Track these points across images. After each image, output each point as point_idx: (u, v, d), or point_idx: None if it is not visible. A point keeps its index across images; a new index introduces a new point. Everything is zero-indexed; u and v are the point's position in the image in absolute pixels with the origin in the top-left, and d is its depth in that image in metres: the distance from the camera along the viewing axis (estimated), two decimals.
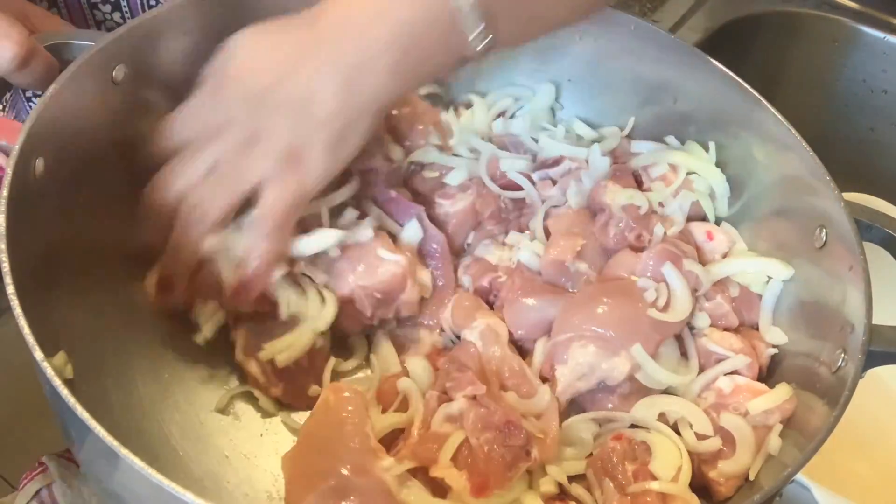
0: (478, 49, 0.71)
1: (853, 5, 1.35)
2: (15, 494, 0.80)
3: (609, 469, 0.70)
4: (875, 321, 0.70)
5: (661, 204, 0.85)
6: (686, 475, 0.70)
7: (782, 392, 0.73)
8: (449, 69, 0.74)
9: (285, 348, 0.77)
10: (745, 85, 0.85)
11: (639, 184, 0.88)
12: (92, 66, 0.75)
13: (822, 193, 0.78)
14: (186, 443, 0.76)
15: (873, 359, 0.69)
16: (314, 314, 0.78)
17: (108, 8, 0.97)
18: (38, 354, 0.59)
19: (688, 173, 0.88)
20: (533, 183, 0.88)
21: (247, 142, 0.71)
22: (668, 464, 0.71)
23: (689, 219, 0.86)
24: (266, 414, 0.79)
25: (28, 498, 0.78)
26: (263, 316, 0.78)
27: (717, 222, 0.88)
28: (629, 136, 0.94)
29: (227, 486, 0.74)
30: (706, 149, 0.90)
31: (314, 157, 0.71)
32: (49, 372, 0.58)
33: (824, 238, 0.78)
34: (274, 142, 0.71)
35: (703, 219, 0.87)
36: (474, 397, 0.71)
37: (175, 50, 0.83)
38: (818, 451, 0.64)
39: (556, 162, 0.90)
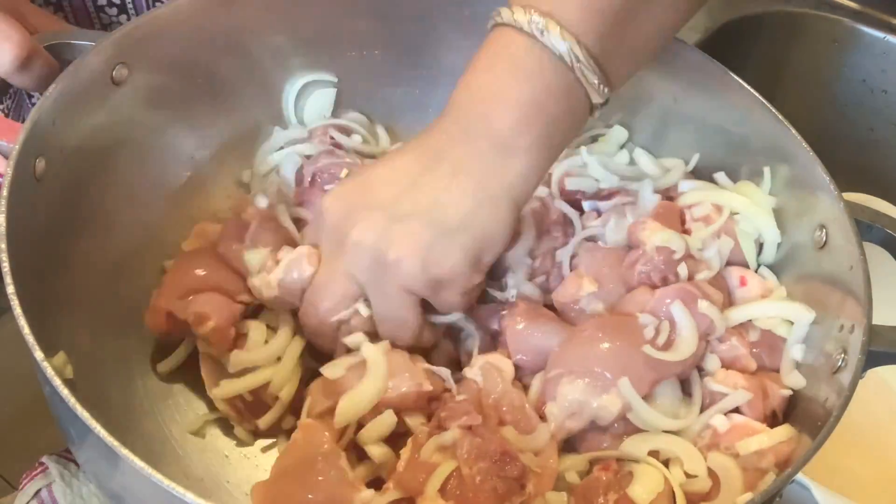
0: (598, 102, 0.69)
1: (853, 5, 1.35)
2: (15, 494, 0.80)
3: (590, 499, 0.68)
4: (875, 321, 0.70)
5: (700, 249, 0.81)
6: (666, 500, 0.68)
7: (780, 433, 0.70)
8: (574, 136, 0.72)
9: (242, 388, 0.74)
10: (746, 85, 0.85)
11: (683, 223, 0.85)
12: (92, 66, 0.75)
13: (822, 193, 0.78)
14: (186, 443, 0.76)
15: (873, 359, 0.69)
16: (272, 353, 0.76)
17: (114, 11, 0.97)
18: (38, 354, 0.59)
19: (733, 213, 0.83)
20: (582, 212, 0.86)
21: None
22: (648, 489, 0.68)
23: (732, 263, 0.82)
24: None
25: (28, 498, 0.78)
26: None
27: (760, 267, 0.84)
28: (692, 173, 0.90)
29: (227, 485, 0.75)
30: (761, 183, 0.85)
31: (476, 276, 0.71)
32: (49, 372, 0.58)
33: (824, 238, 0.78)
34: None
35: (745, 264, 0.83)
36: (469, 427, 0.69)
37: (175, 50, 0.83)
38: (818, 451, 0.64)
39: (610, 195, 0.86)
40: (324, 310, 0.73)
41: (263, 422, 0.76)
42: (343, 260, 0.71)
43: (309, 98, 0.94)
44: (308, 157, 0.89)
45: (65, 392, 0.58)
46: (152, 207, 0.84)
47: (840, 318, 0.73)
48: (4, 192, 0.65)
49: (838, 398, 0.67)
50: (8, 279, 0.61)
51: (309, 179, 0.86)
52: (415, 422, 0.72)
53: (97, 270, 0.77)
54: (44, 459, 0.79)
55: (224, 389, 0.74)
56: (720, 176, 0.88)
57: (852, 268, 0.73)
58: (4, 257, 0.62)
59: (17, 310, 0.60)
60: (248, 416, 0.76)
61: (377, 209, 0.69)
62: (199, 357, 0.77)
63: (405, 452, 0.68)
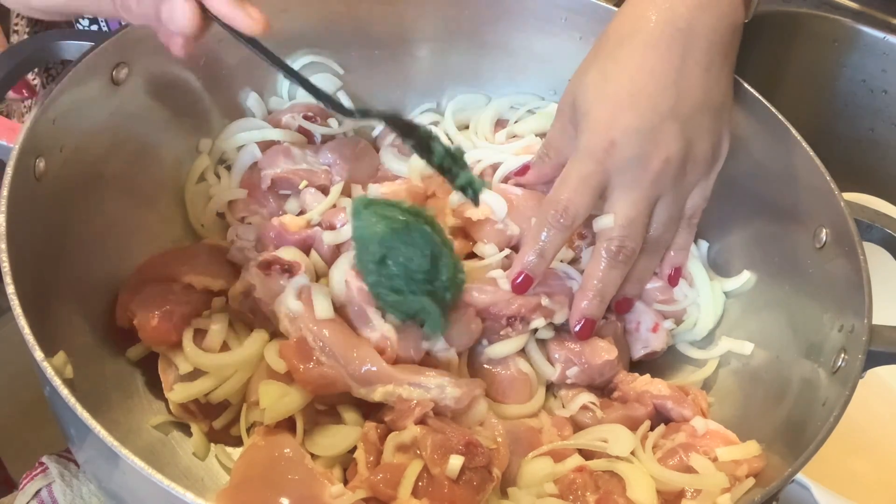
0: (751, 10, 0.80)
1: (853, 5, 1.35)
2: (15, 494, 0.80)
3: (571, 499, 0.70)
4: (875, 321, 0.70)
5: None
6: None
7: (751, 448, 0.73)
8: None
9: (196, 393, 0.74)
10: (746, 85, 0.85)
11: None
12: (92, 66, 0.75)
13: (822, 193, 0.78)
14: (186, 443, 0.76)
15: (873, 359, 0.69)
16: (225, 363, 0.75)
17: (85, 22, 0.96)
18: (38, 354, 0.59)
19: None
20: None
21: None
22: (647, 489, 0.70)
23: None
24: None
25: (28, 498, 0.78)
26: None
27: None
28: None
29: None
30: None
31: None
32: (49, 372, 0.58)
33: (824, 238, 0.78)
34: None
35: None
36: (424, 422, 0.70)
37: None
38: (818, 451, 0.64)
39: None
40: (567, 203, 0.76)
41: (218, 423, 0.76)
42: (636, 180, 0.76)
43: (309, 79, 0.94)
44: (272, 143, 0.89)
45: (65, 392, 0.58)
46: (152, 207, 0.84)
47: (840, 318, 0.73)
48: (4, 192, 0.65)
49: (838, 398, 0.67)
50: (8, 279, 0.61)
51: (268, 185, 0.87)
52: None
53: (97, 270, 0.77)
54: (44, 459, 0.79)
55: (178, 394, 0.74)
56: None
57: (852, 268, 0.73)
58: (4, 257, 0.62)
59: (17, 310, 0.60)
60: (202, 417, 0.75)
61: (669, 120, 0.75)
62: (159, 356, 0.77)
63: (360, 454, 0.69)
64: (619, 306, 0.83)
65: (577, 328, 0.79)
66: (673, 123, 0.75)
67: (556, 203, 0.76)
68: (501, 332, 0.79)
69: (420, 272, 0.71)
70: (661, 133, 0.75)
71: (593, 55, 0.79)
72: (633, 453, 0.74)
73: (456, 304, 0.76)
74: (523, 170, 0.87)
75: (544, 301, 0.79)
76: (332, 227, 0.83)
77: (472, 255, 0.85)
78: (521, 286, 0.77)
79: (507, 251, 0.84)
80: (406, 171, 0.91)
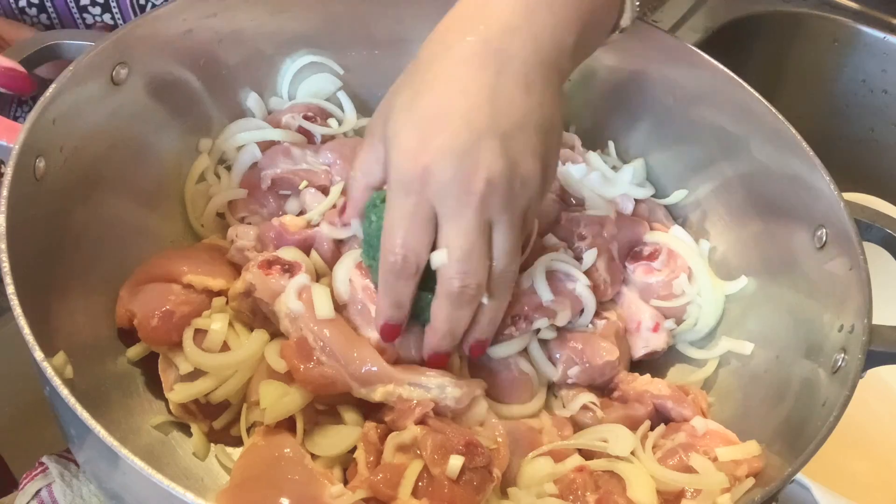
0: (625, 25, 0.74)
1: (853, 5, 1.35)
2: (15, 494, 0.80)
3: (571, 499, 0.70)
4: (875, 321, 0.70)
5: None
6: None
7: (751, 448, 0.73)
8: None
9: (196, 393, 0.74)
10: (746, 85, 0.85)
11: None
12: (92, 66, 0.75)
13: (822, 193, 0.78)
14: (186, 443, 0.76)
15: (873, 359, 0.69)
16: (224, 363, 0.74)
17: (97, 10, 0.97)
18: (38, 354, 0.59)
19: None
20: None
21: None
22: (647, 489, 0.71)
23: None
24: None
25: (28, 498, 0.78)
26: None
27: None
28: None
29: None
30: None
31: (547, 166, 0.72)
32: (49, 372, 0.58)
33: (824, 238, 0.78)
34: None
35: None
36: (424, 422, 0.70)
37: (175, 49, 0.83)
38: (818, 451, 0.64)
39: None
40: (404, 254, 0.69)
41: (218, 423, 0.76)
42: (462, 203, 0.67)
43: (308, 79, 0.94)
44: (272, 143, 0.89)
45: (65, 392, 0.58)
46: (152, 207, 0.84)
47: (840, 318, 0.73)
48: (4, 192, 0.65)
49: (838, 398, 0.67)
50: (8, 279, 0.61)
51: (268, 185, 0.87)
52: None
53: (97, 270, 0.77)
54: (44, 459, 0.79)
55: (178, 394, 0.73)
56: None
57: (852, 268, 0.74)
58: (4, 257, 0.62)
59: (17, 310, 0.60)
60: (202, 417, 0.75)
61: (486, 138, 0.67)
62: (159, 356, 0.77)
63: (360, 454, 0.69)
64: (474, 350, 0.75)
65: (427, 359, 0.75)
66: (491, 140, 0.67)
67: (392, 254, 0.69)
68: (505, 332, 0.79)
69: (427, 268, 0.71)
70: (480, 151, 0.66)
71: (406, 76, 0.73)
72: (633, 453, 0.74)
73: None
74: (342, 209, 0.80)
75: (546, 301, 0.79)
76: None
77: None
78: (388, 335, 0.73)
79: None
80: None
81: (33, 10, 0.95)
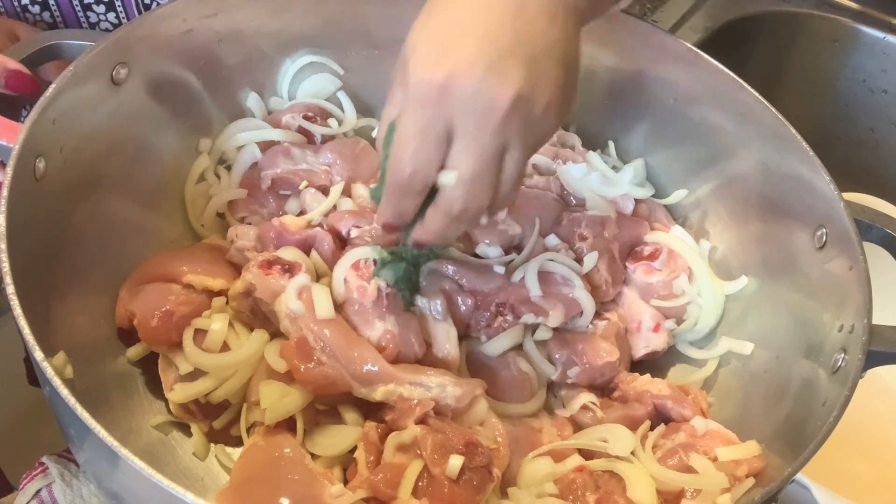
0: None
1: (853, 5, 1.35)
2: (15, 494, 0.80)
3: (571, 499, 0.70)
4: (875, 321, 0.70)
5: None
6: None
7: (751, 448, 0.73)
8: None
9: (196, 393, 0.74)
10: (746, 85, 0.85)
11: None
12: (92, 66, 0.75)
13: (822, 193, 0.78)
14: (186, 443, 0.76)
15: (873, 359, 0.69)
16: (224, 363, 0.75)
17: (101, 9, 0.97)
18: (38, 354, 0.59)
19: None
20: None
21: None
22: (646, 489, 0.71)
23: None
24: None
25: (28, 498, 0.78)
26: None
27: None
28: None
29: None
30: None
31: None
32: (49, 372, 0.58)
33: (824, 238, 0.78)
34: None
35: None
36: (425, 421, 0.70)
37: (175, 50, 0.83)
38: (818, 451, 0.64)
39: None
40: (412, 170, 0.66)
41: (218, 423, 0.76)
42: (468, 121, 0.64)
43: (308, 79, 0.94)
44: (272, 143, 0.89)
45: (65, 392, 0.58)
46: (152, 207, 0.84)
47: (840, 318, 0.73)
48: (4, 192, 0.65)
49: (838, 398, 0.67)
50: (8, 279, 0.61)
51: (268, 185, 0.87)
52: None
53: (97, 270, 0.77)
54: (44, 459, 0.79)
55: (178, 394, 0.74)
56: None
57: (852, 268, 0.74)
58: (4, 257, 0.62)
59: (17, 310, 0.60)
60: (202, 417, 0.75)
61: (511, 57, 0.63)
62: (159, 356, 0.77)
63: (360, 454, 0.69)
64: (415, 245, 0.72)
65: (380, 225, 0.71)
66: (517, 60, 0.63)
67: (401, 168, 0.65)
68: (494, 324, 0.79)
69: None
70: (506, 68, 0.62)
71: (425, 7, 0.68)
72: (633, 453, 0.74)
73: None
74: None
75: (533, 296, 0.79)
76: (333, 231, 0.83)
77: (474, 256, 0.85)
78: (386, 230, 0.71)
79: (512, 255, 0.84)
80: None
81: (36, 8, 0.95)
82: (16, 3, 0.94)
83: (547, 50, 0.65)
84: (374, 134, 0.97)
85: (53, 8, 0.96)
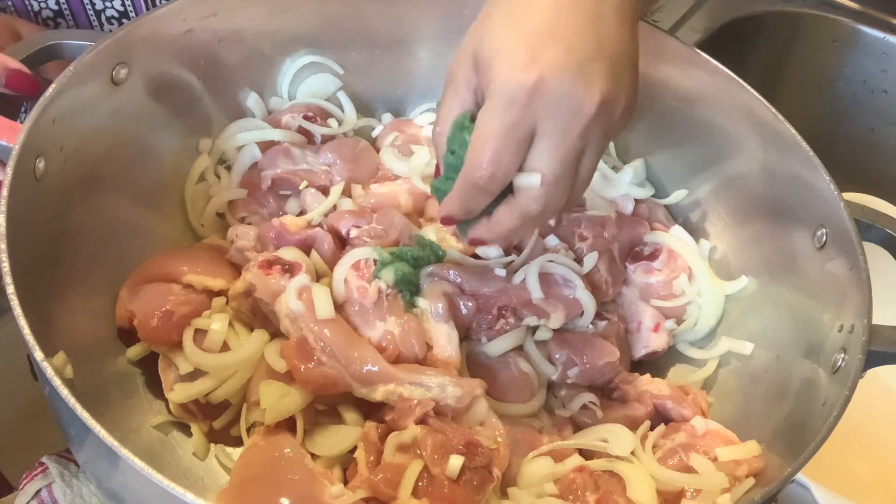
0: None
1: (853, 5, 1.35)
2: (15, 494, 0.80)
3: (571, 499, 0.70)
4: (875, 321, 0.70)
5: None
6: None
7: (751, 448, 0.73)
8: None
9: (196, 393, 0.74)
10: (746, 85, 0.85)
11: None
12: (92, 66, 0.75)
13: (822, 193, 0.78)
14: (186, 443, 0.76)
15: (873, 359, 0.69)
16: (224, 363, 0.75)
17: (113, 12, 0.96)
18: (38, 354, 0.59)
19: None
20: None
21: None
22: (646, 489, 0.71)
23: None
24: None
25: (28, 498, 0.78)
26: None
27: None
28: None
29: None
30: None
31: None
32: (49, 372, 0.58)
33: (824, 238, 0.78)
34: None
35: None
36: (425, 421, 0.70)
37: (175, 50, 0.83)
38: (818, 451, 0.64)
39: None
40: (493, 171, 0.66)
41: (218, 423, 0.76)
42: (555, 121, 0.64)
43: (308, 79, 0.94)
44: (272, 143, 0.89)
45: (65, 392, 0.58)
46: (152, 207, 0.84)
47: (840, 318, 0.73)
48: (4, 192, 0.65)
49: (838, 398, 0.67)
50: (8, 279, 0.61)
51: (268, 185, 0.87)
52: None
53: (97, 270, 0.77)
54: (44, 459, 0.79)
55: (178, 394, 0.74)
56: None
57: (852, 268, 0.74)
58: (4, 257, 0.62)
59: (17, 310, 0.60)
60: (202, 417, 0.75)
61: (597, 60, 0.64)
62: (159, 356, 0.77)
63: (360, 454, 0.69)
64: (472, 243, 0.73)
65: (469, 241, 0.72)
66: (601, 64, 0.64)
67: (479, 168, 0.65)
68: (496, 327, 0.79)
69: None
70: (592, 72, 0.64)
71: (493, 3, 0.68)
72: (633, 453, 0.74)
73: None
74: (436, 175, 0.75)
75: (535, 298, 0.79)
76: (333, 231, 0.83)
77: (474, 257, 0.86)
78: (447, 223, 0.71)
79: (512, 256, 0.84)
80: (406, 172, 0.91)
81: (48, 12, 0.95)
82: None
83: (622, 54, 0.67)
84: (374, 134, 0.97)
85: (67, 14, 0.96)
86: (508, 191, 0.68)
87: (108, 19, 0.97)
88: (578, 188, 0.69)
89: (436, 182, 0.72)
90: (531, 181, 0.66)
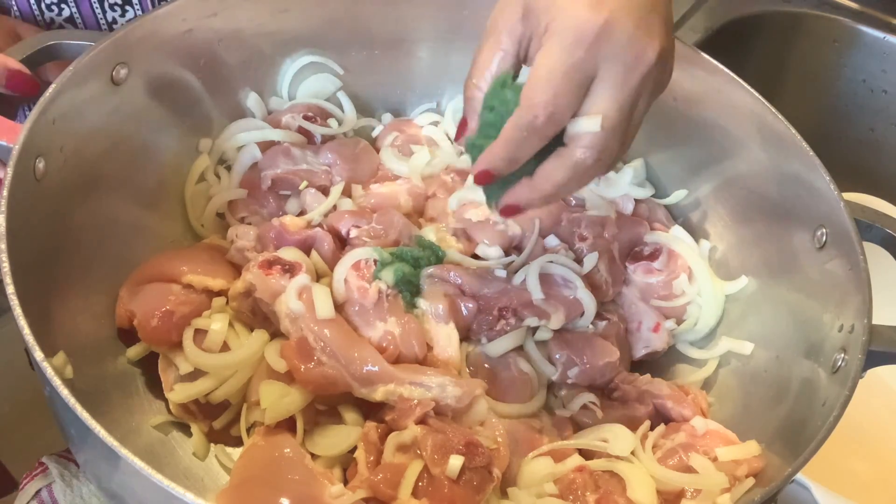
0: None
1: (853, 5, 1.36)
2: (15, 494, 0.80)
3: (571, 499, 0.70)
4: (875, 321, 0.70)
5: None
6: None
7: (751, 447, 0.73)
8: None
9: (196, 393, 0.74)
10: (746, 85, 0.85)
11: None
12: (92, 66, 0.75)
13: (822, 193, 0.78)
14: (186, 443, 0.76)
15: (873, 359, 0.69)
16: (224, 363, 0.74)
17: (118, 11, 0.96)
18: (38, 354, 0.59)
19: None
20: None
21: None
22: (646, 489, 0.71)
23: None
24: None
25: (28, 498, 0.78)
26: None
27: None
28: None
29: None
30: None
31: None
32: (49, 372, 0.58)
33: (824, 238, 0.78)
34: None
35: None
36: (425, 421, 0.70)
37: (175, 50, 0.83)
38: (818, 451, 0.64)
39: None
40: (550, 111, 0.63)
41: (218, 423, 0.76)
42: (617, 73, 0.63)
43: (308, 79, 0.95)
44: (272, 143, 0.89)
45: (65, 392, 0.58)
46: (152, 207, 0.84)
47: (840, 318, 0.73)
48: (4, 192, 0.65)
49: (838, 398, 0.67)
50: (8, 279, 0.61)
51: (268, 185, 0.87)
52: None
53: (97, 270, 0.77)
54: (44, 459, 0.79)
55: (178, 394, 0.73)
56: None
57: (852, 268, 0.74)
58: (4, 257, 0.62)
59: (17, 310, 0.60)
60: (202, 417, 0.75)
61: (654, 12, 0.64)
62: (159, 356, 0.77)
63: (360, 454, 0.69)
64: (507, 211, 0.69)
65: (502, 207, 0.69)
66: (658, 16, 0.64)
67: (537, 107, 0.62)
68: (497, 327, 0.79)
69: None
70: (652, 23, 0.63)
71: None
72: (633, 453, 0.74)
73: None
74: (458, 133, 0.71)
75: (536, 299, 0.79)
76: (333, 231, 0.83)
77: (474, 257, 0.86)
78: (482, 180, 0.67)
79: (512, 256, 0.84)
80: (406, 171, 0.91)
81: (61, 20, 0.94)
82: None
83: (670, 12, 0.67)
84: (374, 134, 0.97)
85: (76, 15, 0.95)
86: (554, 145, 0.65)
87: None
88: (628, 141, 0.67)
89: (471, 138, 0.68)
90: (591, 125, 0.63)
